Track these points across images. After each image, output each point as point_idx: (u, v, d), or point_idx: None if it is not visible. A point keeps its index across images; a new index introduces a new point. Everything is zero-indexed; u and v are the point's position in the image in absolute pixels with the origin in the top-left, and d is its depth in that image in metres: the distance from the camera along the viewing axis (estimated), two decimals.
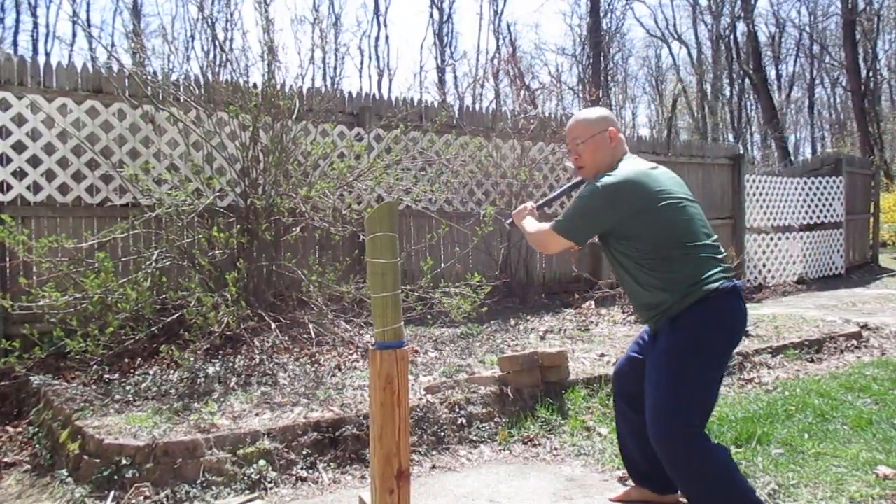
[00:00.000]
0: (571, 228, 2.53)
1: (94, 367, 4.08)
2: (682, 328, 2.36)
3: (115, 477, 2.98)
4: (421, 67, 45.98)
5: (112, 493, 2.93)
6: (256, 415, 3.52)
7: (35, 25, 26.35)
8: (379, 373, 1.99)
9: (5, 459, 3.49)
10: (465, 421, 3.77)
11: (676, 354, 2.36)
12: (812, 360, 5.34)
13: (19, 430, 3.84)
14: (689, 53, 32.45)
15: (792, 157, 26.19)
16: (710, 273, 2.37)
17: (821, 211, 10.77)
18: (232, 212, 5.04)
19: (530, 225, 2.79)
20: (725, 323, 2.39)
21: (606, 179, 2.43)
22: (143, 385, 3.94)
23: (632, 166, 2.50)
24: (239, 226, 4.88)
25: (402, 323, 2.04)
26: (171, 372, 4.15)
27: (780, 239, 10.12)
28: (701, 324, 2.35)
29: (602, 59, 24.31)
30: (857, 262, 12.00)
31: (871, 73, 26.67)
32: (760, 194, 10.09)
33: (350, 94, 6.51)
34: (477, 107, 9.67)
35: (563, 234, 2.53)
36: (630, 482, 2.91)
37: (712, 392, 2.41)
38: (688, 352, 2.34)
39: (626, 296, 6.71)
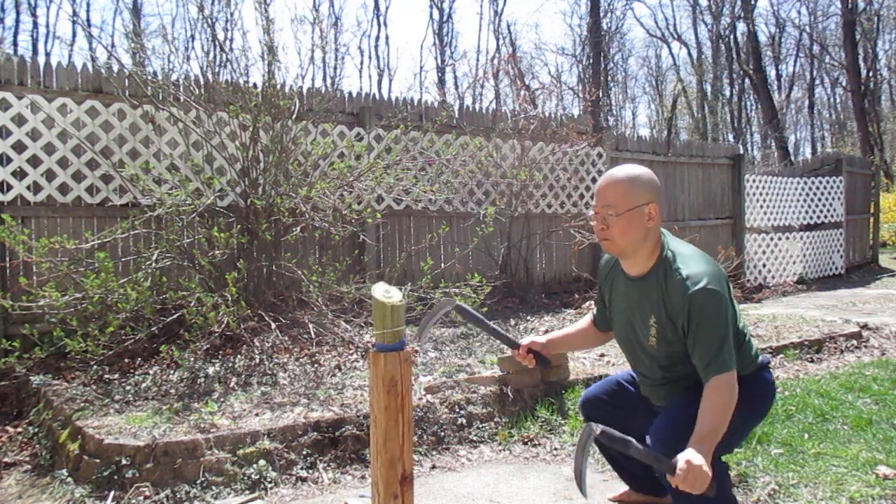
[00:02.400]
0: (732, 353, 2.16)
1: (94, 367, 4.08)
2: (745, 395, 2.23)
3: (115, 477, 2.98)
4: (421, 67, 46.03)
5: (112, 493, 2.93)
6: (256, 415, 3.52)
7: (35, 25, 26.37)
8: (382, 376, 1.95)
9: (5, 459, 3.49)
10: (465, 421, 3.77)
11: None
12: (812, 360, 5.34)
13: (19, 430, 3.84)
14: (689, 53, 32.49)
15: (792, 157, 26.19)
16: (756, 349, 2.40)
17: (821, 211, 10.77)
18: (232, 212, 5.04)
19: (718, 409, 2.09)
20: (770, 392, 2.40)
21: (710, 283, 2.14)
22: (143, 385, 3.94)
23: (706, 260, 2.24)
24: (239, 226, 4.87)
25: (405, 324, 2.02)
26: (171, 372, 4.15)
27: (780, 239, 10.12)
28: (755, 389, 2.31)
29: (602, 59, 24.29)
30: (857, 262, 12.01)
31: (871, 73, 26.67)
32: (760, 194, 10.09)
33: (350, 94, 6.51)
34: (477, 107, 9.67)
35: (734, 367, 2.15)
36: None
37: (738, 443, 2.39)
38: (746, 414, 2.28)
39: None
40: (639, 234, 2.24)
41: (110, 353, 4.04)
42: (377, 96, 6.92)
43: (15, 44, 25.48)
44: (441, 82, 29.40)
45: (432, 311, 2.51)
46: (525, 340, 2.59)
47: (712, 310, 2.13)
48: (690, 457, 1.95)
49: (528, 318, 6.29)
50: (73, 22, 27.47)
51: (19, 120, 4.74)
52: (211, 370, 4.17)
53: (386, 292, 1.99)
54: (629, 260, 2.34)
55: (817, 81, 33.80)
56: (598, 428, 1.98)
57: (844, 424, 3.72)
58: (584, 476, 1.96)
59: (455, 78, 30.49)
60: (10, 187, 4.74)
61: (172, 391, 3.88)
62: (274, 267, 5.00)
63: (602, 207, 2.26)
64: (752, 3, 26.40)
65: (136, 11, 26.09)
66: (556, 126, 7.66)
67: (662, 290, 2.24)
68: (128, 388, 3.90)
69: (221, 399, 3.75)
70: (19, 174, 4.77)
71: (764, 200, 10.12)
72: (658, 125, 33.04)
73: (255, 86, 5.21)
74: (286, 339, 4.54)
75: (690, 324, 2.16)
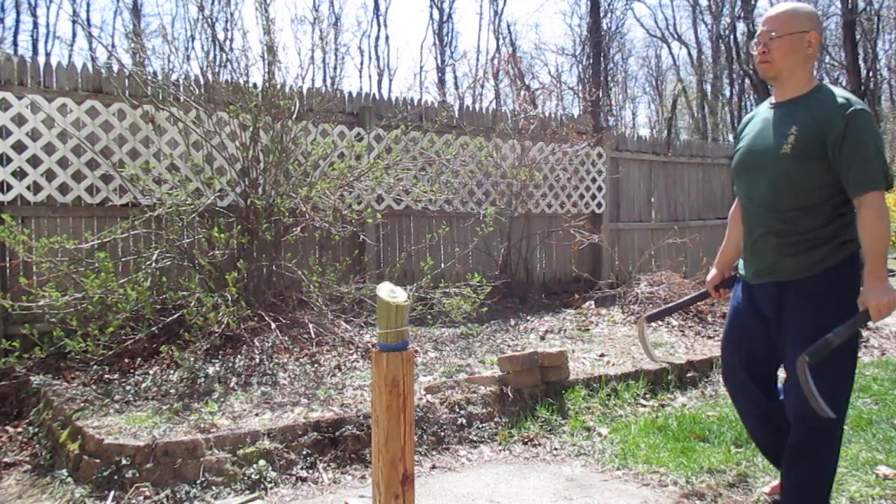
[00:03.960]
0: (884, 172, 2.23)
1: (94, 367, 4.08)
2: (842, 284, 2.29)
3: (115, 477, 2.98)
4: (421, 67, 45.97)
5: (112, 493, 2.93)
6: (256, 415, 3.52)
7: (35, 25, 26.32)
8: (385, 376, 1.95)
9: (5, 459, 3.49)
10: (465, 421, 3.77)
11: (836, 313, 2.25)
12: None
13: (19, 430, 3.84)
14: (689, 53, 32.43)
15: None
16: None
17: None
18: (232, 212, 5.04)
19: (876, 228, 2.20)
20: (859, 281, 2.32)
21: (859, 102, 2.25)
22: (143, 385, 3.94)
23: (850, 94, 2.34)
24: (239, 226, 4.87)
25: (408, 325, 2.02)
26: (171, 372, 4.15)
27: None
28: (853, 280, 2.30)
29: (602, 59, 24.27)
30: None
31: (871, 73, 26.66)
32: None
33: (350, 94, 6.51)
34: (477, 107, 9.67)
35: (883, 186, 2.23)
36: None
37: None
38: (845, 309, 2.26)
39: (626, 295, 6.73)
40: (798, 58, 2.35)
41: (110, 353, 4.03)
42: (377, 96, 6.92)
43: (15, 44, 25.46)
44: (441, 82, 29.38)
45: (641, 337, 2.95)
46: (709, 281, 2.80)
47: (870, 129, 2.22)
48: (870, 297, 2.16)
49: (529, 317, 6.29)
50: (73, 22, 27.45)
51: (19, 120, 4.74)
52: (211, 370, 4.17)
53: (391, 292, 2.00)
54: (784, 84, 2.41)
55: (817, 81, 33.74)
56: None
57: (844, 424, 3.72)
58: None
59: (455, 78, 30.45)
60: (10, 187, 4.74)
61: (172, 391, 3.88)
62: (274, 267, 5.00)
63: (765, 33, 2.38)
64: (752, 3, 26.39)
65: (136, 11, 26.06)
66: (556, 126, 7.66)
67: (813, 109, 2.30)
68: (128, 388, 3.90)
69: (221, 399, 3.75)
70: (19, 174, 4.77)
71: None
72: (658, 125, 33.03)
73: (255, 86, 5.21)
74: (286, 339, 4.54)
75: (846, 140, 2.21)
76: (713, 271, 2.80)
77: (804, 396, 2.19)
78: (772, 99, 2.50)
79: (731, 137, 30.00)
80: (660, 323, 6.12)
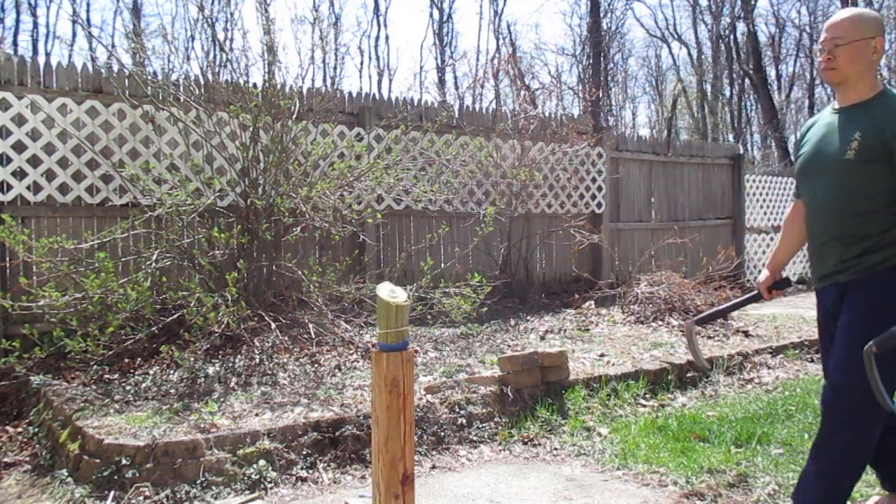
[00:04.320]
0: None
1: (94, 367, 4.08)
2: None
3: (115, 477, 2.98)
4: (421, 67, 45.85)
5: (112, 493, 2.93)
6: (256, 415, 3.52)
7: (35, 25, 26.27)
8: (385, 376, 1.96)
9: (5, 459, 3.49)
10: (465, 421, 3.77)
11: (888, 312, 2.25)
12: (812, 360, 5.34)
13: (19, 430, 3.84)
14: (689, 53, 32.40)
15: (792, 157, 26.11)
16: None
17: None
18: (232, 212, 5.04)
19: None
20: None
21: None
22: (143, 385, 3.94)
23: None
24: (239, 226, 4.88)
25: (408, 325, 2.02)
26: (171, 372, 4.15)
27: None
28: None
29: (602, 59, 24.24)
30: None
31: None
32: (760, 194, 10.09)
33: (350, 94, 6.51)
34: (477, 107, 9.67)
35: None
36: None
37: None
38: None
39: (626, 295, 6.74)
40: (863, 65, 2.36)
41: (110, 353, 4.04)
42: (377, 96, 6.92)
43: (15, 44, 25.41)
44: (441, 82, 29.34)
45: (691, 341, 2.94)
46: (760, 283, 2.80)
47: None
48: None
49: (529, 317, 6.29)
50: (73, 22, 27.40)
51: (19, 120, 4.74)
52: (211, 370, 4.17)
53: (391, 292, 2.00)
54: (850, 90, 2.42)
55: (817, 81, 33.72)
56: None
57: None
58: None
59: (455, 78, 30.38)
60: (10, 187, 4.74)
61: (172, 391, 3.88)
62: (274, 267, 5.00)
63: (830, 40, 2.39)
64: (752, 3, 26.38)
65: (136, 11, 26.03)
66: (556, 126, 7.66)
67: (877, 114, 2.32)
68: (128, 388, 3.90)
69: (221, 399, 3.75)
70: (19, 174, 4.77)
71: (764, 200, 10.12)
72: (658, 125, 32.99)
73: (255, 86, 5.21)
74: (286, 339, 4.54)
75: None
76: (765, 272, 2.82)
77: (838, 385, 2.26)
78: (834, 104, 2.51)
79: (731, 137, 30.04)
80: (660, 323, 6.12)
